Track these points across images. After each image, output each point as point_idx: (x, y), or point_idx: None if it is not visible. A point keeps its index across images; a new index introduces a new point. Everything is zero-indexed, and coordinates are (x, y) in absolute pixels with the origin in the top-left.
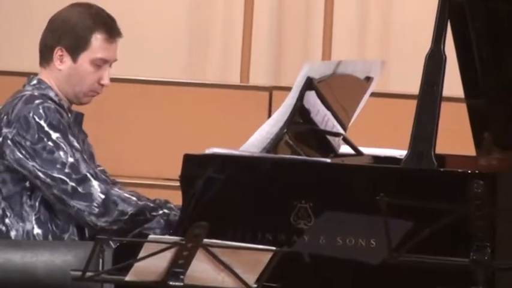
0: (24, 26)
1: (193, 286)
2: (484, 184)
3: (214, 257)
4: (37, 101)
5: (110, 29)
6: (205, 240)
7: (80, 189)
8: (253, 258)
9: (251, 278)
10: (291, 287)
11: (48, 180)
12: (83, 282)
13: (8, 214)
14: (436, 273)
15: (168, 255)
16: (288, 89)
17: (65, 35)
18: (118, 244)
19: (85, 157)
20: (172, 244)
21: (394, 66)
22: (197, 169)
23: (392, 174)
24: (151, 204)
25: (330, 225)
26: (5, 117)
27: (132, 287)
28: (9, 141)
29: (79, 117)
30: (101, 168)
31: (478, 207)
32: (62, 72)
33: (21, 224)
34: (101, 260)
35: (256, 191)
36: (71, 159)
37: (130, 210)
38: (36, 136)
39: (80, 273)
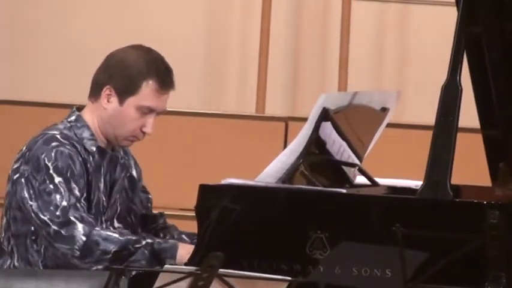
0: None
1: None
2: (500, 214)
3: (230, 286)
4: (54, 144)
5: (163, 79)
6: (221, 270)
7: (63, 232)
8: None
9: None
10: None
11: (38, 221)
12: None
13: (16, 257)
14: None
15: (183, 285)
16: (304, 119)
17: (117, 75)
18: (133, 274)
19: (82, 204)
20: (188, 274)
21: (410, 97)
22: (213, 199)
23: (408, 205)
24: (134, 237)
25: (346, 255)
26: (27, 152)
27: None
28: (23, 180)
29: (114, 159)
30: (148, 196)
31: (494, 238)
32: (106, 112)
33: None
34: None
35: (271, 221)
36: (64, 203)
37: (112, 247)
38: (42, 178)
39: None
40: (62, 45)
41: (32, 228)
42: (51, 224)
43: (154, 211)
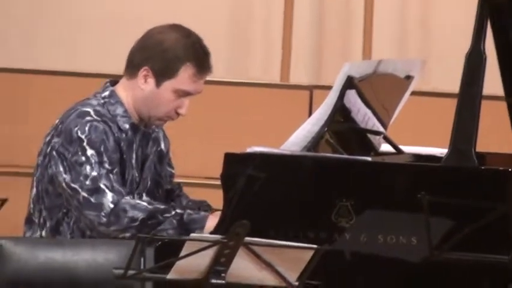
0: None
1: (234, 284)
2: None
3: (256, 255)
4: (88, 118)
5: (202, 64)
6: (247, 239)
7: (92, 199)
8: (295, 256)
9: (293, 276)
10: (332, 285)
11: (68, 190)
12: (124, 280)
13: (46, 229)
14: (477, 271)
15: (210, 253)
16: (329, 87)
17: (155, 57)
18: (159, 242)
19: (113, 176)
20: (214, 242)
21: (434, 65)
22: (238, 168)
23: (433, 173)
24: (163, 207)
25: (371, 223)
26: (60, 125)
27: (174, 285)
28: (54, 152)
29: (146, 135)
30: (172, 172)
31: None
32: (142, 92)
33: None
34: (142, 259)
35: (297, 190)
36: (94, 173)
37: (140, 215)
38: (75, 149)
39: (122, 271)
40: (90, 13)
41: (64, 200)
42: (80, 191)
43: (181, 180)
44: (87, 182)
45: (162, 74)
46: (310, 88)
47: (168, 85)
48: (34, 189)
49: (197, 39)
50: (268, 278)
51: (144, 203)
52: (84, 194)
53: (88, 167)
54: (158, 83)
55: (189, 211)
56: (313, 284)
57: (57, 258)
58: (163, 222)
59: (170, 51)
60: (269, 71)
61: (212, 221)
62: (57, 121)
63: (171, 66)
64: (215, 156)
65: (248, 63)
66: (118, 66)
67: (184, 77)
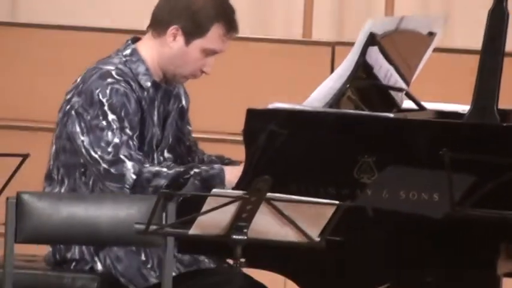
0: None
1: (256, 240)
2: None
3: (278, 210)
4: (109, 80)
5: (230, 23)
6: (269, 194)
7: (112, 171)
8: (317, 212)
9: (314, 232)
10: (353, 241)
11: (88, 158)
12: (146, 235)
13: (65, 187)
14: (499, 228)
15: (232, 209)
16: (351, 44)
17: (185, 17)
18: (181, 198)
19: (134, 142)
20: (236, 198)
21: (457, 21)
22: (260, 124)
23: (455, 129)
24: (182, 169)
25: (393, 179)
26: (81, 85)
27: (195, 240)
28: (73, 112)
29: (168, 92)
30: (189, 128)
31: None
32: (170, 50)
33: None
34: (164, 214)
35: (319, 146)
36: (116, 140)
37: (163, 182)
38: (96, 113)
39: (143, 226)
40: None
41: (81, 160)
42: (101, 161)
43: (202, 135)
44: (109, 149)
45: (192, 33)
46: (332, 44)
47: (198, 44)
48: (53, 146)
49: None
50: (290, 234)
51: (164, 169)
52: (105, 165)
53: (110, 133)
54: (187, 42)
55: (204, 167)
56: (335, 240)
57: (80, 213)
58: (185, 184)
59: (201, 12)
60: (291, 27)
61: (230, 174)
62: (78, 79)
63: (202, 26)
64: (237, 112)
65: (270, 19)
66: (137, 22)
67: (214, 36)
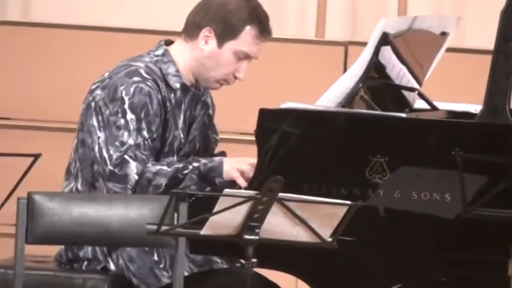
0: None
1: (268, 240)
2: None
3: (290, 210)
4: (136, 78)
5: (263, 27)
6: (281, 194)
7: (117, 171)
8: (329, 212)
9: (326, 232)
10: (365, 241)
11: (97, 155)
12: (158, 235)
13: (80, 181)
14: (510, 228)
15: (244, 209)
16: (364, 44)
17: (218, 19)
18: (193, 198)
19: (147, 142)
20: (248, 198)
21: (469, 21)
22: (273, 123)
23: (467, 129)
24: (181, 165)
25: (405, 179)
26: (108, 80)
27: (207, 241)
28: (93, 104)
29: (196, 97)
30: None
31: None
32: (202, 53)
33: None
34: (176, 214)
35: (331, 146)
36: (131, 142)
37: (163, 181)
38: (115, 109)
39: (155, 227)
40: None
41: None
42: (108, 162)
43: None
44: (121, 149)
45: (225, 35)
46: (345, 44)
47: (230, 46)
48: (75, 139)
49: (258, 3)
50: (302, 234)
51: (165, 167)
52: (111, 167)
53: (126, 133)
54: (220, 44)
55: (203, 161)
56: (347, 241)
57: (91, 214)
58: (183, 180)
59: (234, 13)
60: (304, 27)
61: (228, 164)
62: (106, 74)
63: (235, 28)
64: (250, 112)
65: (283, 19)
66: (166, 22)
67: (247, 39)
